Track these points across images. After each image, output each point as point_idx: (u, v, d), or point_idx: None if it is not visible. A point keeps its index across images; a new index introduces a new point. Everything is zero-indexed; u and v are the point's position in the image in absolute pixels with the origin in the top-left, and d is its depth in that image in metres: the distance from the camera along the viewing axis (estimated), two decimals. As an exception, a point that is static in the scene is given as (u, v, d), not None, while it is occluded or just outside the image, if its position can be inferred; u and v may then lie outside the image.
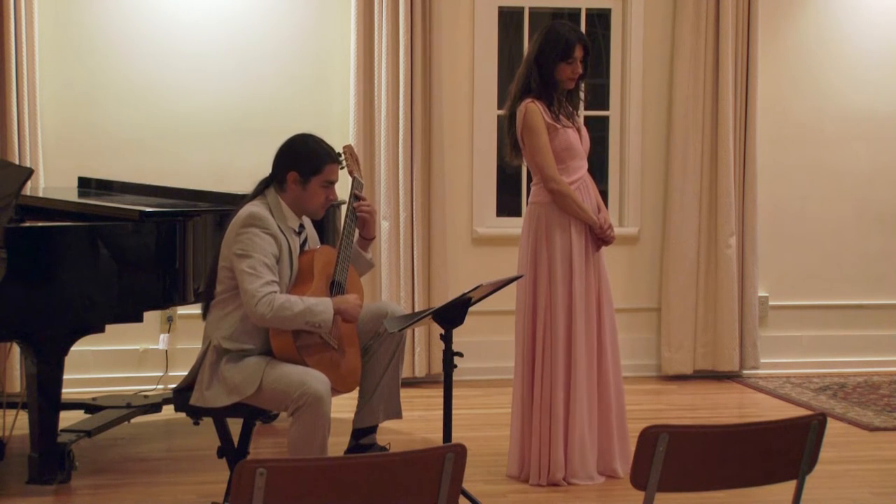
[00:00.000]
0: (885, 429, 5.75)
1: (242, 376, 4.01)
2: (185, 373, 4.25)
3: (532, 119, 4.77)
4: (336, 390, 4.06)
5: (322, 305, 4.01)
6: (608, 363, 4.85)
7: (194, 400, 4.09)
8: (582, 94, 4.99)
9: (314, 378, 3.92)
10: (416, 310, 6.39)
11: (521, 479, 4.83)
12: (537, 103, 4.78)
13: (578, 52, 4.80)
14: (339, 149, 4.31)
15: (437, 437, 4.84)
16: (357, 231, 4.32)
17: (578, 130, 4.91)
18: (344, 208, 4.39)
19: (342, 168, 4.30)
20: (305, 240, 4.26)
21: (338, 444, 4.45)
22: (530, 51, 4.90)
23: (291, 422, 3.94)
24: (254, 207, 4.09)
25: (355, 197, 4.31)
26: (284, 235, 4.10)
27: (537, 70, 4.82)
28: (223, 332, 4.07)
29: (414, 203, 6.56)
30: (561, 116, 4.82)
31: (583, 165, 4.89)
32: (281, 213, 4.13)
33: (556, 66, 4.79)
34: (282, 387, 3.93)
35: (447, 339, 4.10)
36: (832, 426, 5.10)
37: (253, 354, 4.06)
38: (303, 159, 4.15)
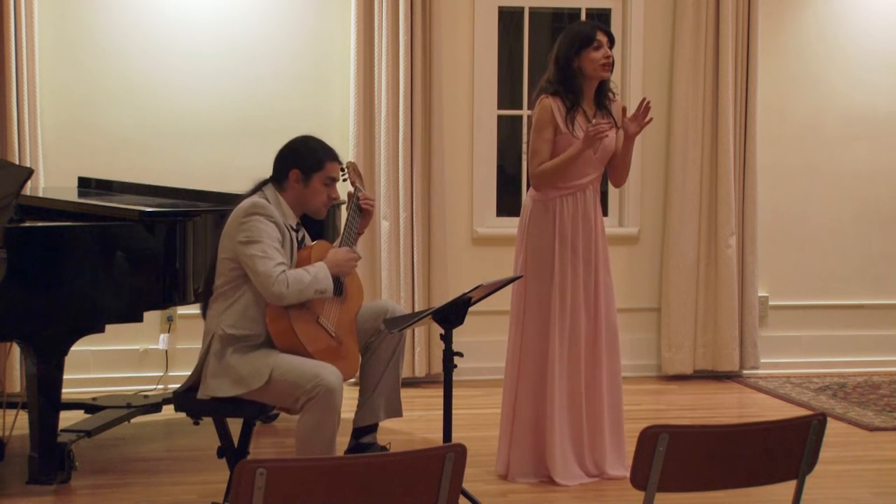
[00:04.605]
0: (885, 429, 5.75)
1: (249, 369, 4.02)
2: (185, 373, 4.25)
3: (538, 114, 4.73)
4: None
5: (322, 272, 4.09)
6: (602, 364, 4.83)
7: (200, 393, 4.10)
8: (612, 95, 4.83)
9: (328, 370, 3.95)
10: (416, 310, 6.39)
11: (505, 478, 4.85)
12: (552, 100, 4.72)
13: (601, 37, 4.69)
14: (342, 154, 4.35)
15: (437, 437, 4.83)
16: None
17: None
18: (344, 209, 4.42)
19: (344, 180, 4.35)
20: (303, 238, 4.29)
21: (338, 443, 4.44)
22: (552, 52, 4.81)
23: (301, 414, 3.95)
24: (254, 198, 4.14)
25: (356, 192, 4.36)
26: (286, 228, 4.14)
27: (556, 68, 4.74)
28: (228, 321, 4.09)
29: (414, 203, 6.56)
30: (578, 124, 4.67)
31: (587, 173, 4.76)
32: (280, 209, 4.16)
33: (580, 57, 4.67)
34: (293, 378, 3.94)
35: (447, 339, 4.10)
36: (832, 426, 5.10)
37: (258, 342, 4.08)
38: (304, 157, 4.19)
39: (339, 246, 4.29)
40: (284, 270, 4.01)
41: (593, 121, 4.66)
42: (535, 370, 4.78)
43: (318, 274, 4.07)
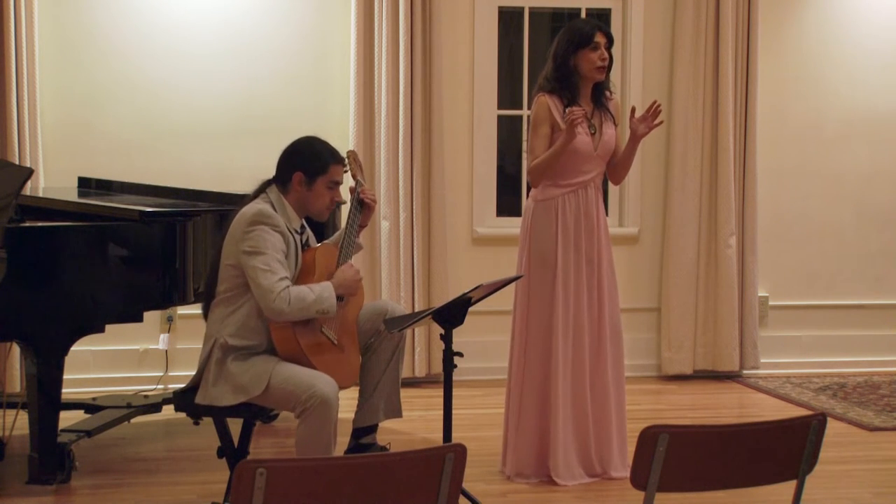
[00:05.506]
0: (885, 429, 5.75)
1: (249, 376, 4.02)
2: (185, 373, 4.26)
3: (535, 111, 4.75)
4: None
5: (326, 291, 4.05)
6: (606, 365, 4.83)
7: (199, 398, 4.09)
8: (609, 93, 4.83)
9: (323, 381, 3.92)
10: (416, 310, 6.39)
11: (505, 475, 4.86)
12: (548, 98, 4.73)
13: (600, 38, 4.69)
14: (343, 153, 4.34)
15: (437, 437, 4.84)
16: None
17: (600, 133, 4.76)
18: (345, 208, 4.41)
19: (345, 171, 4.33)
20: (307, 240, 4.28)
21: (338, 444, 4.44)
22: (551, 48, 4.82)
23: (298, 423, 3.95)
24: (259, 205, 4.11)
25: (357, 187, 4.36)
26: (290, 232, 4.13)
27: (553, 65, 4.74)
28: (229, 330, 4.08)
29: (414, 203, 6.56)
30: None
31: (588, 170, 4.77)
32: (284, 212, 4.15)
33: (577, 56, 4.68)
34: (290, 388, 3.93)
35: (447, 339, 4.10)
36: (832, 426, 5.11)
37: (259, 350, 4.08)
38: (308, 160, 4.17)
39: (341, 240, 4.28)
40: (287, 287, 3.98)
41: (566, 109, 4.66)
42: (540, 370, 4.78)
43: (322, 293, 4.03)
